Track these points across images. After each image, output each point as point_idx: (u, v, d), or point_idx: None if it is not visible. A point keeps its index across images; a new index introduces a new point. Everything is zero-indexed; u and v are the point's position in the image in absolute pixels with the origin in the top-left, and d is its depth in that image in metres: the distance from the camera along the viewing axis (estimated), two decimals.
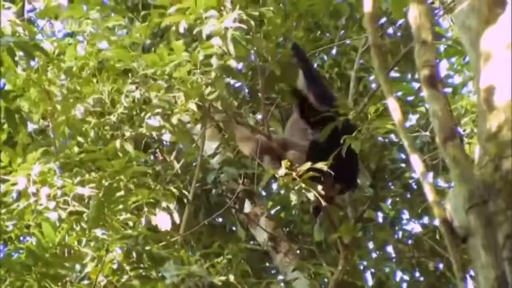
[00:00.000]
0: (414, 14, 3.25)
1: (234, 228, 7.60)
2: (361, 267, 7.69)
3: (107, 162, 5.42)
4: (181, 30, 5.61)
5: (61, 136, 5.80)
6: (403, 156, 7.31)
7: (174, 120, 5.60)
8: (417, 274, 7.61)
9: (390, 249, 7.61)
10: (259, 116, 7.15)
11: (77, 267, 5.23)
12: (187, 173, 7.10)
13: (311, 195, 5.76)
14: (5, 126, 5.68)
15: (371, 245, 7.65)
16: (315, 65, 7.46)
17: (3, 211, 5.23)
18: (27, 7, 7.09)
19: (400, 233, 7.63)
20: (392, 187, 7.40)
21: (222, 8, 5.59)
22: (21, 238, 5.36)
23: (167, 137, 6.59)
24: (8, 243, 5.29)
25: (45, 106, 5.71)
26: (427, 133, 7.00)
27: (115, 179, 5.36)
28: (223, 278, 5.46)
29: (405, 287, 7.69)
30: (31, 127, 6.23)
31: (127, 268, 5.22)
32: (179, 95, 5.58)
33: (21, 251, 5.12)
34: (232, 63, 5.60)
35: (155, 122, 5.62)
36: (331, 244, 7.17)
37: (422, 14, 3.24)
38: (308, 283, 6.73)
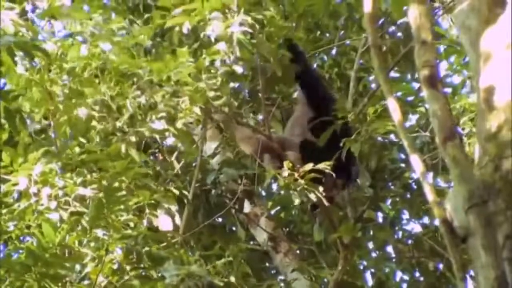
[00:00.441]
0: (414, 14, 3.25)
1: (234, 228, 7.60)
2: (361, 267, 7.69)
3: (109, 163, 5.41)
4: (185, 31, 5.61)
5: (62, 136, 5.79)
6: (403, 156, 7.32)
7: (178, 124, 5.60)
8: (417, 274, 7.62)
9: (390, 249, 7.62)
10: (259, 117, 7.15)
11: (77, 267, 5.23)
12: (187, 174, 7.10)
13: (312, 196, 5.77)
14: (6, 126, 5.67)
15: (371, 245, 7.65)
16: (315, 66, 7.47)
17: (4, 211, 5.22)
18: (27, 7, 7.08)
19: (400, 233, 7.64)
20: (392, 187, 7.40)
21: (226, 10, 5.59)
22: (21, 238, 5.36)
23: (170, 140, 6.62)
24: (8, 243, 5.29)
25: (46, 106, 5.70)
26: (427, 133, 7.00)
27: (116, 180, 5.36)
28: (224, 280, 5.47)
29: (405, 287, 7.70)
30: (32, 127, 6.22)
31: (127, 268, 5.23)
32: (184, 99, 5.58)
33: (21, 251, 5.12)
34: (238, 68, 5.61)
35: (159, 125, 5.61)
36: (331, 244, 7.17)
37: (422, 14, 3.24)
38: (308, 284, 6.74)
